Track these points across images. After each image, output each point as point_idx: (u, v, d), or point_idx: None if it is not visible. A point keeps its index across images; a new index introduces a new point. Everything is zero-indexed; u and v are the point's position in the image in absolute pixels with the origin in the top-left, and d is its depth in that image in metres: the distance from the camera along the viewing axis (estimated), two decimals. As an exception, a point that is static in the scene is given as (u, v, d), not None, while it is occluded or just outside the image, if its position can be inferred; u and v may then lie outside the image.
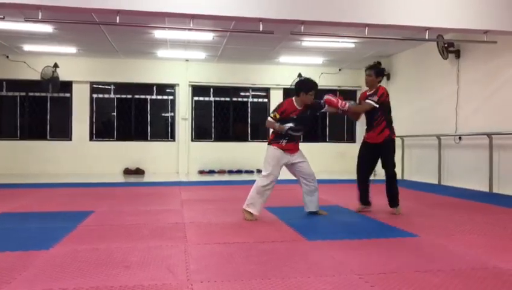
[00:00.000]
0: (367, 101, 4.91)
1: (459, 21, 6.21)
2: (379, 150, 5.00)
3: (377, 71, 5.01)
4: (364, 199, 5.21)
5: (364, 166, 5.16)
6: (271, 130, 4.79)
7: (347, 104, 4.76)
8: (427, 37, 6.46)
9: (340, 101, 4.78)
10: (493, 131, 7.20)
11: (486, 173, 7.29)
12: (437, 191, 7.53)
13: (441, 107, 8.85)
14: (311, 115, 4.82)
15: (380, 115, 4.91)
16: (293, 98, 4.71)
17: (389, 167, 4.99)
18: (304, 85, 4.69)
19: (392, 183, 5.04)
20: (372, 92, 4.97)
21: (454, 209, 5.56)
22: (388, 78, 10.84)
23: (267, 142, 4.82)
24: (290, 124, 4.55)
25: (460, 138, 8.25)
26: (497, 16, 6.26)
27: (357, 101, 5.25)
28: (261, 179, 4.68)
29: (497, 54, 7.34)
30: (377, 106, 4.84)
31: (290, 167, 4.79)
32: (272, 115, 4.65)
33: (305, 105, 4.68)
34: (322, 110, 4.89)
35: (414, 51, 9.85)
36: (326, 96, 4.80)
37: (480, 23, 6.26)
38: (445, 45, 8.27)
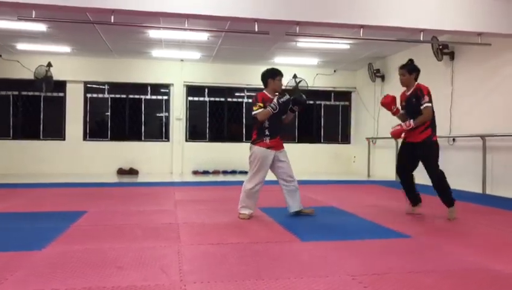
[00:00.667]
0: (425, 106, 4.64)
1: (453, 23, 6.25)
2: (419, 150, 4.76)
3: (409, 68, 4.84)
4: (411, 198, 5.09)
5: (402, 167, 4.99)
6: (254, 131, 4.75)
7: (412, 123, 4.66)
8: (421, 39, 6.50)
9: (404, 125, 4.72)
10: (487, 133, 7.24)
11: (480, 174, 7.33)
12: (431, 192, 7.52)
13: (435, 109, 8.83)
14: (284, 107, 4.74)
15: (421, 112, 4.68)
16: (264, 91, 4.75)
17: (432, 170, 4.77)
18: (269, 72, 4.73)
19: (438, 186, 4.80)
20: (412, 92, 4.79)
21: (447, 210, 5.57)
22: (383, 80, 10.88)
23: (250, 142, 4.79)
24: (276, 97, 4.59)
25: (454, 140, 8.28)
26: (491, 18, 6.30)
27: (398, 104, 5.01)
28: (248, 181, 4.69)
29: (491, 56, 7.39)
30: (433, 110, 4.71)
31: (272, 165, 4.74)
32: (255, 108, 4.60)
33: (279, 94, 4.70)
34: (294, 109, 4.81)
35: (409, 52, 9.87)
36: (392, 130, 4.85)
37: (474, 25, 6.31)
38: (440, 47, 8.31)
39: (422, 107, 4.63)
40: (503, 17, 6.32)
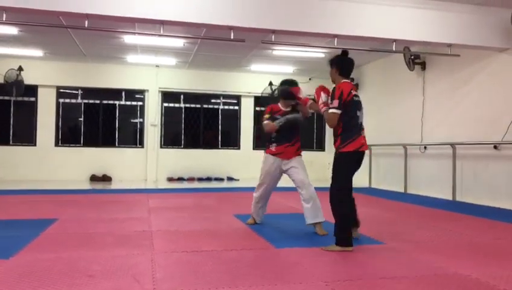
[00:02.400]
0: (329, 111, 3.83)
1: (425, 34, 6.42)
2: None
3: (331, 61, 4.10)
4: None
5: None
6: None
7: (323, 109, 3.95)
8: (394, 49, 6.65)
9: (320, 100, 4.02)
10: (456, 141, 7.44)
11: (450, 181, 7.52)
12: (403, 199, 7.70)
13: (407, 117, 9.08)
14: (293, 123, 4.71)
15: (338, 120, 3.83)
16: (278, 103, 4.80)
17: (331, 184, 3.93)
18: (279, 92, 4.84)
19: (331, 206, 3.88)
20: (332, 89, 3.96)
21: (419, 217, 5.69)
22: (357, 88, 11.05)
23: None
24: (286, 116, 4.59)
25: (425, 148, 8.48)
26: (460, 30, 6.51)
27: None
28: (257, 190, 4.76)
29: (461, 67, 7.61)
30: (339, 111, 3.78)
31: (286, 171, 4.64)
32: (263, 119, 4.70)
33: (292, 107, 4.69)
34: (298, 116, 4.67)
35: (382, 61, 10.09)
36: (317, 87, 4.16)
37: (445, 36, 6.50)
38: (412, 57, 8.51)
39: (328, 111, 3.82)
40: (471, 30, 6.53)
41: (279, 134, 4.59)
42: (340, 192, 3.83)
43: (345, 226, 3.74)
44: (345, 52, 4.15)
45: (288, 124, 4.57)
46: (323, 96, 4.02)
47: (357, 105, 3.89)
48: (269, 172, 4.64)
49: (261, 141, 11.70)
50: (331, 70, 4.05)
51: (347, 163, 3.84)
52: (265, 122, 4.62)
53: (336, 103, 3.78)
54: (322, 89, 4.10)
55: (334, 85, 3.99)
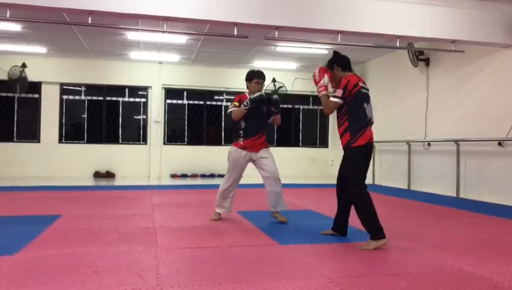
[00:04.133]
0: (330, 99, 3.81)
1: (429, 30, 6.39)
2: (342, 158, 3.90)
3: (329, 65, 4.02)
4: (336, 222, 4.13)
5: (340, 180, 4.02)
6: (234, 131, 4.81)
7: (322, 92, 3.87)
8: (397, 45, 6.62)
9: (321, 83, 3.90)
10: (460, 138, 7.42)
11: (454, 178, 7.50)
12: (406, 196, 7.69)
13: (411, 114, 9.05)
14: (265, 111, 4.74)
15: (345, 111, 3.80)
16: (247, 93, 4.81)
17: (348, 182, 3.80)
18: (247, 75, 4.79)
19: (355, 206, 3.81)
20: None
21: (422, 213, 5.68)
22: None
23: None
24: (250, 97, 4.61)
25: (429, 144, 8.45)
26: (464, 26, 6.48)
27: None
28: (222, 181, 4.82)
29: (465, 63, 7.58)
30: (341, 102, 3.75)
31: (255, 164, 4.73)
32: (230, 107, 4.73)
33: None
34: (272, 110, 4.72)
35: (386, 58, 10.06)
36: (315, 70, 4.02)
37: (449, 32, 6.47)
38: (416, 53, 8.48)
39: (330, 98, 3.80)
40: (476, 26, 6.50)
41: (246, 125, 4.64)
42: (360, 188, 3.75)
43: (373, 220, 3.68)
44: (335, 52, 4.13)
45: (254, 103, 4.57)
46: (326, 79, 3.91)
47: (364, 97, 3.81)
48: (237, 166, 4.69)
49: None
50: (334, 70, 3.95)
51: (360, 157, 3.77)
52: (232, 109, 4.66)
53: (339, 92, 3.74)
54: (326, 70, 3.98)
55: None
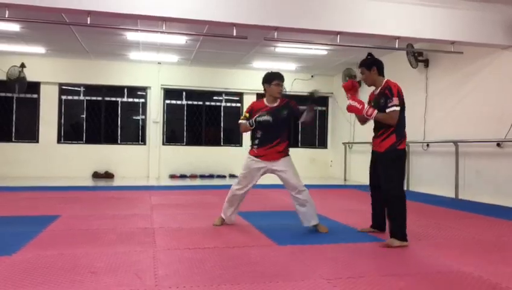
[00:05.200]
0: (391, 110, 3.86)
1: (428, 31, 6.39)
2: (380, 161, 4.00)
3: (367, 64, 4.11)
4: (374, 220, 4.31)
5: (371, 179, 4.23)
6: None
7: (374, 112, 3.92)
8: (396, 46, 6.63)
9: (364, 107, 3.96)
10: (459, 139, 7.42)
11: (453, 179, 7.50)
12: (405, 196, 7.67)
13: (410, 115, 8.93)
14: (287, 115, 4.33)
15: None
16: (263, 98, 4.45)
17: (389, 183, 3.89)
18: (266, 77, 4.35)
19: (390, 209, 3.90)
20: (380, 91, 4.03)
21: (421, 214, 5.68)
22: (360, 85, 11.01)
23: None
24: (260, 113, 4.23)
25: (428, 145, 8.46)
26: (463, 27, 6.48)
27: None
28: (232, 187, 4.49)
29: (464, 64, 7.58)
30: (399, 108, 3.88)
31: (275, 174, 4.36)
32: (241, 118, 4.37)
33: (281, 104, 4.32)
34: (299, 120, 4.38)
35: (385, 59, 9.96)
36: (349, 103, 4.04)
37: (448, 33, 6.48)
38: (415, 54, 8.48)
39: (387, 111, 3.87)
40: (475, 27, 6.50)
41: (263, 134, 4.27)
42: (399, 191, 3.88)
43: (404, 223, 3.81)
44: (372, 54, 4.25)
45: (260, 126, 4.23)
46: (360, 98, 4.05)
47: (404, 105, 4.00)
48: (250, 174, 4.34)
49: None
50: (370, 71, 4.08)
51: (403, 160, 3.98)
52: (240, 122, 4.35)
53: (396, 100, 3.87)
54: (353, 86, 4.10)
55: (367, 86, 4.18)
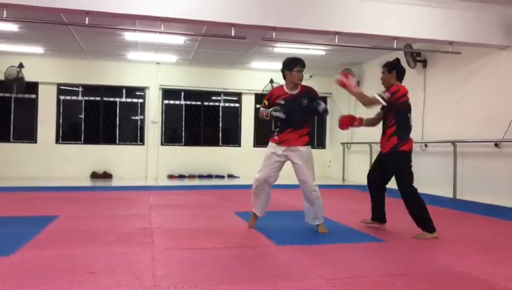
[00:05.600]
0: (375, 95, 4.14)
1: (426, 31, 6.41)
2: (388, 161, 4.27)
3: (390, 66, 4.32)
4: (373, 212, 4.56)
5: (370, 175, 4.49)
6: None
7: (358, 89, 4.24)
8: (395, 46, 6.64)
9: (351, 82, 4.16)
10: (457, 139, 7.43)
11: (451, 179, 7.51)
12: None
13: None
14: (307, 104, 4.20)
15: (391, 116, 4.19)
16: (282, 84, 4.37)
17: (399, 183, 4.18)
18: (287, 63, 4.26)
19: (409, 204, 4.18)
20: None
21: (420, 214, 5.68)
22: (358, 85, 11.02)
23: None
24: (274, 107, 4.17)
25: (426, 145, 8.47)
26: (461, 27, 6.50)
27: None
28: (254, 180, 4.33)
29: (462, 65, 7.60)
30: (384, 103, 4.10)
31: (292, 164, 4.26)
32: (262, 105, 4.32)
33: (302, 91, 4.24)
34: (320, 114, 4.35)
35: (383, 59, 10.05)
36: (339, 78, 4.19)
37: (446, 34, 6.49)
38: (414, 54, 8.49)
39: (374, 94, 4.16)
40: (472, 27, 6.52)
41: (283, 120, 4.15)
42: (411, 188, 4.13)
43: (425, 215, 4.08)
44: (399, 60, 4.44)
45: (272, 118, 4.20)
46: (353, 80, 4.24)
47: (410, 108, 4.21)
48: (269, 161, 4.23)
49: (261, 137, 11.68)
50: (389, 74, 4.29)
51: (408, 160, 4.18)
52: (262, 109, 4.32)
53: (387, 95, 4.07)
54: (347, 74, 4.21)
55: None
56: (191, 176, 11.51)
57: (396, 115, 4.14)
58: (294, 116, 4.15)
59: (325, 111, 4.37)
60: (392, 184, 4.41)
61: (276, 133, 4.26)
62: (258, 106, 12.15)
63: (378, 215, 4.51)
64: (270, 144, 4.29)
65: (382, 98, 4.07)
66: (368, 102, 4.19)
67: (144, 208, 5.85)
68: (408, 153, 4.17)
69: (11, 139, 10.89)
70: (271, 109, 4.19)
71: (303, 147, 4.21)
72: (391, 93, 4.07)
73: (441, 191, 7.81)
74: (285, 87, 4.31)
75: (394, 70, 4.28)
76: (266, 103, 4.27)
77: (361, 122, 4.52)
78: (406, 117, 4.17)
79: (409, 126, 4.22)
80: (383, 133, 4.27)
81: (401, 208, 5.18)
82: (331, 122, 12.66)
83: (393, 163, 4.18)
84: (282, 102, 4.18)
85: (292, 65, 4.22)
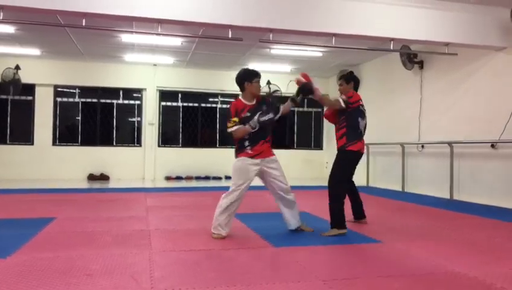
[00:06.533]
0: (337, 98, 4.44)
1: (422, 33, 6.43)
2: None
3: (347, 78, 4.69)
4: (352, 210, 4.91)
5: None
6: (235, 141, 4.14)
7: (319, 92, 4.33)
8: (391, 48, 6.66)
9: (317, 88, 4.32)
10: (454, 140, 7.46)
11: (447, 180, 7.53)
12: (400, 197, 7.71)
13: (405, 116, 9.09)
14: (268, 111, 4.15)
15: (343, 119, 4.47)
16: (239, 97, 4.23)
17: (330, 178, 4.43)
18: (245, 74, 4.18)
19: (329, 199, 4.38)
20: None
21: (416, 215, 5.71)
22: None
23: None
24: (258, 113, 4.03)
25: (423, 146, 8.49)
26: (457, 29, 6.53)
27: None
28: (226, 197, 4.07)
29: (458, 66, 7.62)
30: (343, 105, 4.37)
31: (263, 175, 4.16)
32: (230, 124, 4.06)
33: (258, 101, 4.18)
34: (278, 115, 4.23)
35: (380, 60, 10.10)
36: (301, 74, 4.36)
37: (442, 35, 6.51)
38: (411, 56, 8.51)
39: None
40: (469, 29, 6.55)
41: (253, 133, 4.04)
42: (340, 184, 4.40)
43: (340, 212, 4.29)
44: (352, 72, 5.03)
45: (263, 126, 4.09)
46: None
47: (361, 113, 4.53)
48: (248, 178, 4.06)
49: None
50: (347, 84, 4.66)
51: (349, 160, 4.48)
52: (235, 128, 4.02)
53: (344, 97, 4.44)
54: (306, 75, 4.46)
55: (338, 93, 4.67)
56: (188, 178, 11.50)
57: (347, 119, 4.45)
58: (266, 126, 4.12)
59: (278, 115, 4.26)
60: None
61: (248, 147, 4.05)
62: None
63: (355, 211, 4.93)
64: (243, 158, 4.05)
65: (343, 101, 4.41)
66: (334, 104, 4.47)
67: (141, 209, 5.84)
68: (354, 153, 4.44)
69: (8, 141, 10.87)
70: (257, 117, 4.04)
71: (273, 156, 4.23)
72: (348, 96, 4.47)
73: (437, 192, 7.84)
74: (243, 100, 4.17)
75: (351, 80, 4.71)
76: (236, 119, 4.03)
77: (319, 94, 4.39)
78: (357, 121, 4.48)
79: (358, 129, 4.48)
80: (336, 132, 4.61)
81: (396, 211, 5.20)
82: (328, 124, 12.54)
83: (337, 159, 4.48)
84: (248, 114, 4.06)
85: (252, 76, 4.17)
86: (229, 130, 4.09)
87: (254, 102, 4.18)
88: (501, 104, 6.73)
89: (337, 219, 4.28)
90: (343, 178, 4.47)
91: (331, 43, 6.35)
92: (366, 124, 4.62)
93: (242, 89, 4.20)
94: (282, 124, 12.44)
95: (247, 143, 4.07)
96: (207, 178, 11.49)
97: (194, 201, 6.89)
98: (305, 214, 5.66)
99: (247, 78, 4.17)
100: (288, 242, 3.92)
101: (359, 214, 4.94)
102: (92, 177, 10.90)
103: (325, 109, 4.99)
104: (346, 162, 4.48)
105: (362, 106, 4.57)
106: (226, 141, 12.20)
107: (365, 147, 4.72)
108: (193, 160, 11.66)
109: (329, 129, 12.66)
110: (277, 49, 9.35)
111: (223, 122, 12.17)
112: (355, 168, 4.62)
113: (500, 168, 6.70)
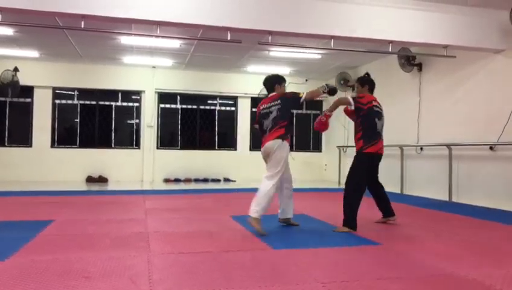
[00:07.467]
0: (348, 96, 4.77)
1: (421, 35, 6.44)
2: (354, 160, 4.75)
3: (361, 81, 4.92)
4: (380, 210, 5.07)
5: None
6: (276, 127, 4.42)
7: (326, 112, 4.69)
8: (390, 50, 6.67)
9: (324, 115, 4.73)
10: (452, 142, 7.46)
11: (446, 182, 7.54)
12: (399, 200, 7.70)
13: (403, 118, 9.10)
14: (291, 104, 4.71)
15: (359, 122, 4.68)
16: (272, 94, 4.73)
17: (347, 181, 4.67)
18: (276, 78, 4.82)
19: (344, 200, 4.58)
20: None
21: (415, 217, 5.71)
22: (353, 89, 11.06)
23: (280, 139, 4.41)
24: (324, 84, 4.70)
25: (421, 149, 8.50)
26: (456, 31, 6.54)
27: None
28: (272, 181, 4.36)
29: (457, 68, 7.64)
30: (352, 103, 4.62)
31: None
32: (300, 94, 4.56)
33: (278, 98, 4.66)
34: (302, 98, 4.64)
35: (379, 63, 10.11)
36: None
37: (441, 38, 6.53)
38: (410, 58, 8.53)
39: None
40: (467, 31, 6.56)
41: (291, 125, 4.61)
42: (355, 186, 4.54)
43: (353, 212, 4.45)
44: (369, 74, 5.20)
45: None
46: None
47: (377, 114, 4.67)
48: (287, 162, 4.59)
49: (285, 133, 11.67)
50: (362, 88, 4.85)
51: (366, 162, 4.65)
52: (308, 91, 4.59)
53: (353, 95, 4.68)
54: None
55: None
56: (187, 180, 11.49)
57: (362, 121, 4.62)
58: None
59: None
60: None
61: (288, 135, 4.51)
62: (253, 109, 12.16)
63: (383, 210, 5.02)
64: (287, 144, 4.49)
65: (352, 99, 4.65)
66: (341, 102, 4.73)
67: (140, 212, 5.83)
68: (371, 156, 4.63)
69: (6, 144, 10.84)
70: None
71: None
72: (358, 97, 4.68)
73: (436, 194, 7.84)
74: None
75: (366, 84, 4.86)
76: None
77: (328, 116, 4.72)
78: (372, 123, 4.64)
79: (375, 131, 4.65)
80: (354, 135, 4.75)
81: (396, 213, 5.20)
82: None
83: (354, 161, 4.68)
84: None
85: (282, 80, 4.84)
86: (303, 97, 4.54)
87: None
88: (500, 106, 6.74)
89: (348, 219, 4.47)
90: (358, 180, 4.60)
91: (330, 45, 6.36)
92: (383, 125, 4.77)
93: (271, 89, 4.79)
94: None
95: (288, 133, 4.51)
96: (206, 180, 11.48)
97: (192, 203, 6.88)
98: (303, 215, 5.66)
99: (278, 81, 4.80)
100: (287, 244, 3.92)
101: (388, 212, 5.04)
102: (90, 180, 10.88)
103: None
104: (362, 164, 4.64)
105: (377, 106, 4.70)
106: (225, 143, 12.21)
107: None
108: (192, 162, 11.66)
109: (328, 132, 12.62)
110: (276, 52, 9.36)
111: (222, 124, 12.19)
112: (375, 169, 4.86)
113: (498, 170, 6.71)
